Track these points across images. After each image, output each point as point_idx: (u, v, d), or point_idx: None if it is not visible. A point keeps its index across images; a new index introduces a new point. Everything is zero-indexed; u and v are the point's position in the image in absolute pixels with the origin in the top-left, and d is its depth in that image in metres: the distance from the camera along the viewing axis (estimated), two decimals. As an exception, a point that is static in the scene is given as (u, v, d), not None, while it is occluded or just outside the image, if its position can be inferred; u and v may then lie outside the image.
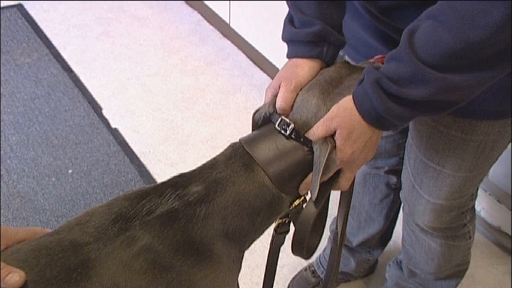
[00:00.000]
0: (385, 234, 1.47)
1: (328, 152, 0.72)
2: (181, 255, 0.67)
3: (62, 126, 2.11)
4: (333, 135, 0.74)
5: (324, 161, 0.72)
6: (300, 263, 1.59)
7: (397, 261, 1.41)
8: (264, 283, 0.97)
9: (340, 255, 0.95)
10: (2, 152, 1.99)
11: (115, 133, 2.07)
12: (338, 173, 0.78)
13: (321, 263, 1.54)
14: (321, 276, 1.53)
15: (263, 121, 0.80)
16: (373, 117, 0.71)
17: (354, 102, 0.72)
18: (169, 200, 0.70)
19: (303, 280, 1.55)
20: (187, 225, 0.68)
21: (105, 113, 2.17)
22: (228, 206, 0.71)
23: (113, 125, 2.11)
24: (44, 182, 1.90)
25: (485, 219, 1.71)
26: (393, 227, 1.48)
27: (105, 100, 2.24)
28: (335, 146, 0.73)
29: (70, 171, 1.95)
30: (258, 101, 2.27)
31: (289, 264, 1.59)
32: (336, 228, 0.92)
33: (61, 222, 1.81)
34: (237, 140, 0.78)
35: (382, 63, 0.81)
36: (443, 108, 0.70)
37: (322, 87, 0.77)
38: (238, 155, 0.75)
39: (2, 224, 1.77)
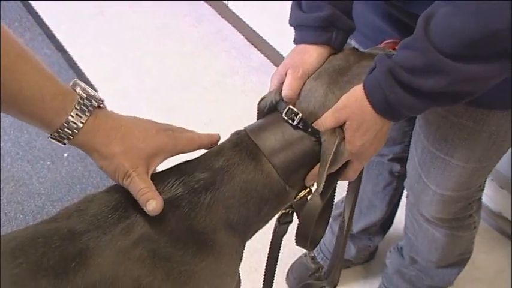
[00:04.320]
0: (386, 222, 1.46)
1: (336, 144, 0.70)
2: (183, 245, 0.66)
3: (56, 108, 2.08)
4: (341, 126, 0.71)
5: (332, 153, 0.70)
6: (299, 249, 1.57)
7: (397, 248, 1.40)
8: (265, 272, 0.95)
9: (345, 244, 0.94)
10: (-6, 135, 1.96)
11: (111, 116, 2.03)
12: (346, 163, 0.76)
13: (320, 249, 1.52)
14: (321, 262, 1.52)
15: (269, 109, 0.77)
16: (385, 107, 0.69)
17: (365, 92, 0.70)
18: (172, 186, 0.68)
19: (302, 266, 1.54)
20: (190, 214, 0.67)
21: (100, 95, 2.12)
22: (235, 194, 0.69)
23: (109, 108, 2.05)
24: (38, 166, 1.88)
25: (486, 205, 1.70)
26: (394, 214, 1.46)
27: (100, 82, 2.19)
28: (344, 138, 0.71)
29: (65, 154, 1.92)
30: (256, 83, 2.23)
31: (288, 249, 1.57)
32: (343, 218, 0.91)
33: (56, 206, 1.79)
34: (238, 126, 0.76)
35: (392, 49, 0.79)
36: (458, 98, 0.67)
37: (330, 76, 0.74)
38: (244, 143, 0.73)
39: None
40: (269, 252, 0.92)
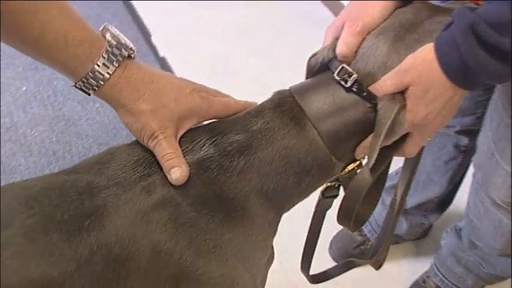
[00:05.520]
0: (445, 199, 1.34)
1: (395, 112, 0.60)
2: (209, 210, 0.60)
3: (109, 50, 2.08)
4: (403, 92, 0.61)
5: (389, 122, 0.61)
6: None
7: (456, 229, 1.28)
8: (305, 246, 0.88)
9: (395, 224, 0.85)
10: (49, 72, 1.96)
11: (162, 62, 2.01)
12: (404, 136, 0.66)
13: (368, 221, 1.42)
14: (368, 235, 1.43)
15: (320, 68, 0.68)
16: (460, 73, 0.57)
17: (436, 51, 0.58)
18: (203, 146, 0.62)
19: (347, 237, 1.45)
20: (219, 178, 0.61)
21: (154, 40, 2.11)
22: (273, 161, 0.63)
23: (161, 54, 2.05)
24: (88, 107, 1.89)
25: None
26: (455, 192, 1.34)
27: (155, 26, 2.17)
28: (405, 106, 0.61)
29: (115, 98, 1.91)
30: (316, 40, 2.10)
31: (332, 217, 1.49)
32: (395, 195, 0.81)
33: (102, 149, 1.79)
34: (288, 85, 0.68)
35: (477, 5, 0.66)
36: None
37: (396, 33, 0.63)
38: (287, 105, 0.65)
39: (45, 146, 1.77)
40: (310, 226, 0.85)
